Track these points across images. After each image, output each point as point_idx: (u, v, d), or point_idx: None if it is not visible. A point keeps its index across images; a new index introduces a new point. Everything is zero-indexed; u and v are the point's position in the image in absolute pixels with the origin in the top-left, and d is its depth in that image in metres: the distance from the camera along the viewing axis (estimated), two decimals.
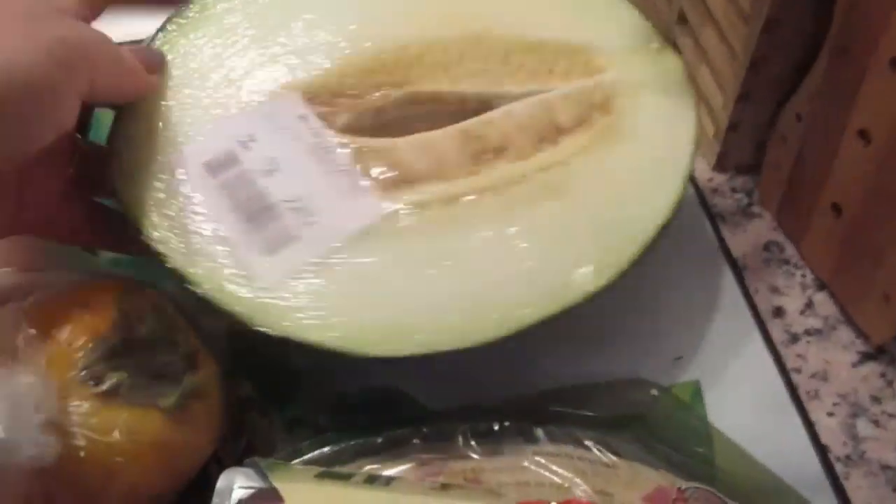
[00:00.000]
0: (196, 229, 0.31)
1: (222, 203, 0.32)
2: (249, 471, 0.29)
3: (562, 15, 0.38)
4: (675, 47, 0.39)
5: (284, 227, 0.31)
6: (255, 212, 0.31)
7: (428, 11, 0.37)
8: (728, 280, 0.41)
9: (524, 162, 0.35)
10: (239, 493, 0.28)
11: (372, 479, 0.25)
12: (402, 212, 0.33)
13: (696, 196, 0.45)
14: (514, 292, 0.31)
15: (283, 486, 0.24)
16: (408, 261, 0.32)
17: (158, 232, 0.31)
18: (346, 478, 0.25)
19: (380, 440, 0.33)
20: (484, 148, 0.35)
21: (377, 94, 0.35)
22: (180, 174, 0.32)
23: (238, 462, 0.35)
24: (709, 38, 0.44)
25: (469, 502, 0.25)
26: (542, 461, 0.31)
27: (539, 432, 0.32)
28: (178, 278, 0.31)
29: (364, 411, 0.36)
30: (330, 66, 0.35)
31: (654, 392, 0.34)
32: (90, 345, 0.29)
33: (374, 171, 0.33)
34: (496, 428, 0.32)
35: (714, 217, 0.44)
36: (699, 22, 0.45)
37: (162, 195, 0.32)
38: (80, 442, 0.27)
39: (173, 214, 0.31)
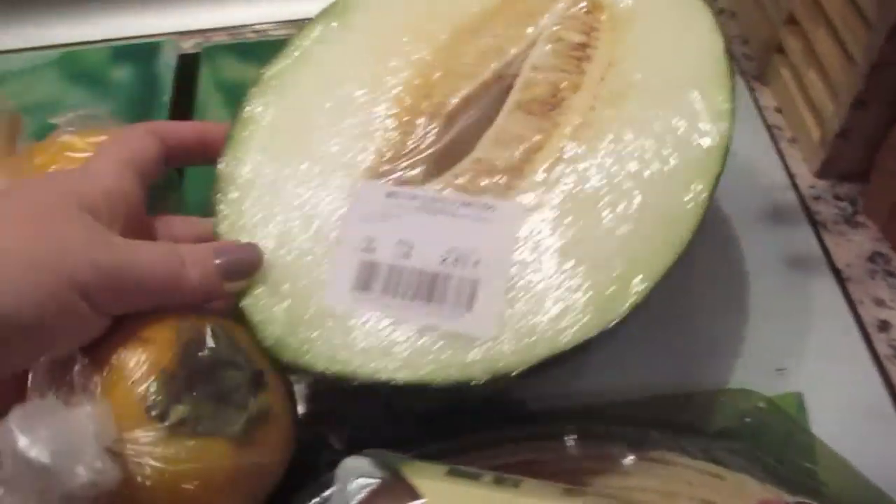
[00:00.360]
0: (392, 339, 0.30)
1: (395, 305, 0.31)
2: (368, 460, 0.30)
3: None
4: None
5: (460, 280, 0.31)
6: (428, 289, 0.31)
7: (419, 35, 0.37)
8: (831, 290, 0.41)
9: (582, 89, 0.35)
10: (360, 482, 0.29)
11: (500, 480, 0.26)
12: (533, 202, 0.32)
13: (799, 202, 0.44)
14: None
15: (418, 481, 0.25)
16: (552, 241, 0.32)
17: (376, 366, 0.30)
18: (475, 477, 0.26)
19: (485, 437, 0.33)
20: (542, 104, 0.35)
21: (428, 133, 0.35)
22: (339, 311, 0.31)
23: (347, 449, 0.37)
24: (822, 42, 0.43)
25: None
26: (647, 467, 0.32)
27: (644, 438, 0.32)
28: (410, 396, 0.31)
29: (465, 406, 0.37)
30: (373, 137, 0.35)
31: (761, 404, 0.34)
32: (154, 379, 0.28)
33: (484, 182, 0.33)
34: (601, 432, 0.32)
35: (816, 225, 0.44)
36: (811, 24, 0.44)
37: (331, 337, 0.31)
38: (147, 471, 0.27)
39: (364, 346, 0.30)
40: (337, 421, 0.38)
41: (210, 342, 0.29)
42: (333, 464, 0.36)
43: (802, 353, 0.38)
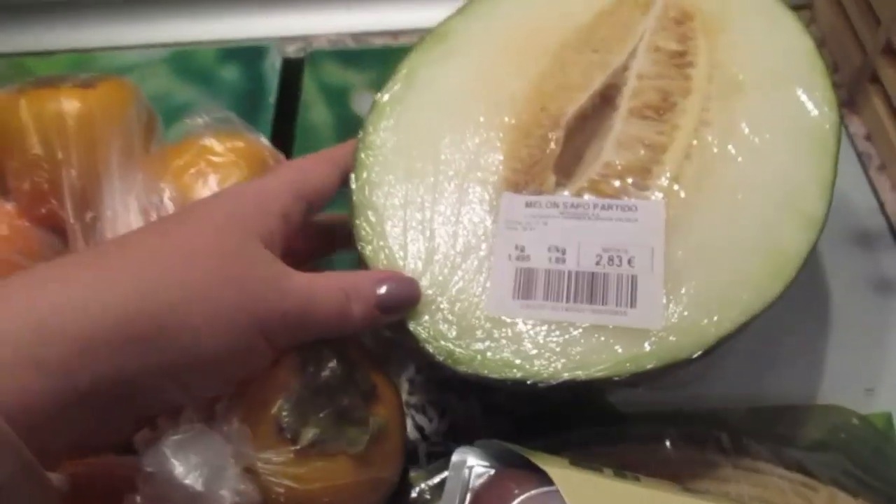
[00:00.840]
0: (563, 340, 0.31)
1: (559, 308, 0.32)
2: (481, 450, 0.31)
3: None
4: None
5: (618, 278, 0.32)
6: (589, 290, 0.32)
7: (524, 53, 0.39)
8: None
9: (692, 92, 0.37)
10: (476, 469, 0.30)
11: (620, 474, 0.27)
12: (667, 195, 0.34)
13: (887, 228, 0.45)
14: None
15: (547, 468, 0.26)
16: (696, 232, 0.33)
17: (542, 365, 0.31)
18: (596, 469, 0.27)
19: (583, 434, 0.35)
20: (655, 109, 0.37)
21: (551, 143, 0.36)
22: (506, 318, 0.32)
23: (443, 442, 0.38)
24: None
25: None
26: (743, 475, 0.33)
27: (738, 446, 0.34)
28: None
29: (559, 406, 0.39)
30: (499, 151, 0.36)
31: (854, 420, 0.35)
32: (283, 401, 0.29)
33: (616, 184, 0.35)
34: (699, 437, 0.34)
35: None
36: None
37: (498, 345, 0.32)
38: (280, 490, 0.28)
39: (536, 350, 0.31)
40: (437, 416, 0.40)
41: (331, 363, 0.30)
42: (432, 455, 0.38)
43: (890, 375, 0.39)
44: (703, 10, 0.40)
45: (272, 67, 0.56)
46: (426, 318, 0.32)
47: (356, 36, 0.59)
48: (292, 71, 0.56)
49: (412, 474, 0.36)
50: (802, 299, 0.42)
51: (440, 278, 0.33)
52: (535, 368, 0.31)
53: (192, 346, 0.26)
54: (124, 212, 0.37)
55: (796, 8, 0.58)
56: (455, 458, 0.31)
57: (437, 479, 0.35)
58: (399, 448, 0.33)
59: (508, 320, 0.32)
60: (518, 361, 0.31)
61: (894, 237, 0.45)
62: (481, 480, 0.30)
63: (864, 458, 0.34)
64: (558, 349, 0.31)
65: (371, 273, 0.32)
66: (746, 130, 0.35)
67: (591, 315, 0.31)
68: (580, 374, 0.30)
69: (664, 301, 0.31)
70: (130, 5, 0.61)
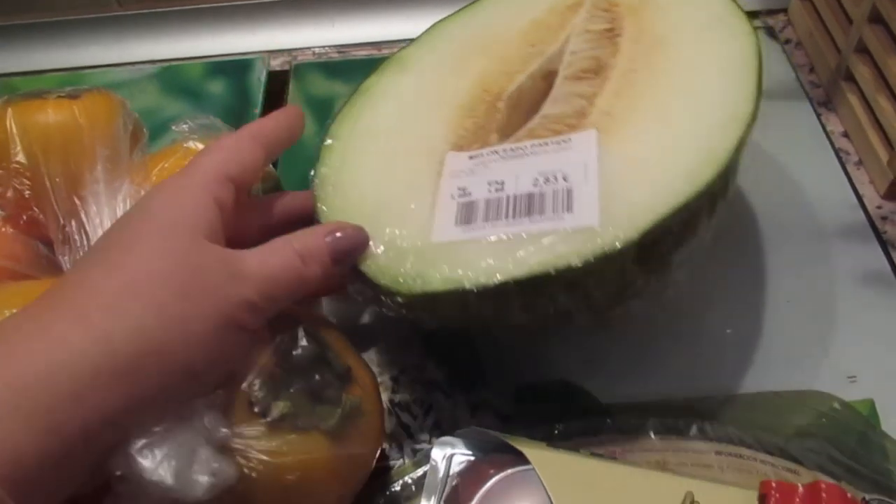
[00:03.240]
0: (504, 248, 0.32)
1: (499, 225, 0.33)
2: (461, 440, 0.31)
3: None
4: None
5: (554, 192, 0.33)
6: (527, 207, 0.33)
7: (468, 59, 0.42)
8: None
9: (620, 53, 0.39)
10: (456, 458, 0.31)
11: (596, 455, 0.27)
12: (599, 126, 0.36)
13: (867, 222, 0.46)
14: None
15: (524, 448, 0.26)
16: (629, 145, 0.35)
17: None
18: (573, 451, 0.27)
19: (567, 427, 0.35)
20: (587, 72, 0.39)
21: (494, 115, 0.39)
22: (449, 242, 0.33)
23: (429, 439, 0.38)
24: (893, 68, 0.45)
25: (694, 481, 0.26)
26: (726, 462, 0.33)
27: (722, 434, 0.34)
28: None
29: (542, 401, 0.39)
30: (448, 127, 0.39)
31: (836, 405, 0.35)
32: (255, 378, 0.30)
33: (554, 127, 0.37)
34: (681, 425, 0.34)
35: (885, 243, 0.45)
36: (882, 51, 0.46)
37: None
38: (252, 463, 0.28)
39: (481, 261, 0.32)
40: (421, 413, 0.40)
41: (303, 342, 0.31)
42: (417, 453, 0.38)
43: (872, 363, 0.39)
44: None
45: (258, 80, 0.57)
46: (372, 258, 0.33)
47: (340, 48, 0.60)
48: (278, 83, 0.57)
49: (396, 467, 0.36)
50: (786, 291, 0.42)
51: (388, 224, 0.34)
52: (479, 277, 0.31)
53: (175, 365, 0.26)
54: (112, 217, 0.37)
55: (772, 12, 0.60)
56: (436, 447, 0.31)
57: (420, 472, 0.35)
58: (375, 429, 0.33)
59: (450, 244, 0.33)
60: (461, 272, 0.32)
61: (873, 230, 0.45)
62: (461, 467, 0.30)
63: (849, 443, 0.34)
64: (500, 255, 0.32)
65: (318, 228, 0.33)
66: (672, 66, 0.38)
67: (529, 225, 0.32)
68: (522, 272, 0.31)
69: (598, 204, 0.32)
70: (118, 25, 0.62)
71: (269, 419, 0.29)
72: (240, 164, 0.32)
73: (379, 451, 0.34)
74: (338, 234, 0.32)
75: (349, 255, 0.32)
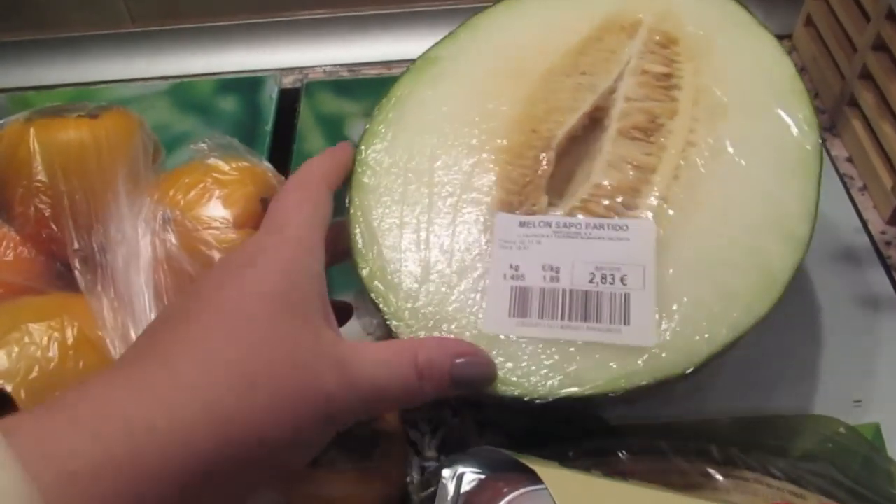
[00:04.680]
0: (558, 358, 0.31)
1: (554, 326, 0.32)
2: (472, 458, 0.32)
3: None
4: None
5: (612, 296, 0.32)
6: (583, 308, 0.32)
7: (513, 77, 0.40)
8: None
9: (679, 114, 0.38)
10: (467, 476, 0.31)
11: (608, 476, 0.28)
12: (656, 214, 0.35)
13: (871, 247, 0.46)
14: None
15: (537, 468, 0.27)
16: (685, 250, 0.34)
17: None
18: (585, 471, 0.28)
19: (577, 448, 0.35)
20: (643, 130, 0.38)
21: (542, 164, 0.37)
22: (502, 337, 0.32)
23: (437, 458, 0.39)
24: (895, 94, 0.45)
25: (702, 502, 0.27)
26: (733, 485, 0.33)
27: (728, 457, 0.34)
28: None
29: (551, 421, 0.39)
30: (492, 173, 0.36)
31: (842, 429, 0.35)
32: None
33: (606, 203, 0.35)
34: (689, 448, 0.34)
35: (889, 268, 0.45)
36: (885, 78, 0.46)
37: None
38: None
39: (533, 367, 0.31)
40: (429, 431, 0.40)
41: None
42: (426, 471, 0.38)
43: (878, 387, 0.40)
44: (688, 34, 0.41)
45: (269, 98, 0.58)
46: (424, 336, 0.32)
47: (351, 67, 0.61)
48: (289, 101, 0.58)
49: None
50: (791, 315, 0.43)
51: (436, 298, 0.33)
52: (532, 386, 0.31)
53: (270, 453, 0.25)
54: (133, 235, 0.37)
55: (777, 38, 0.60)
56: (446, 466, 0.31)
57: (430, 491, 0.35)
58: (400, 464, 0.34)
59: (504, 338, 0.32)
60: (515, 379, 0.31)
61: (878, 254, 0.46)
62: (472, 486, 0.30)
63: (853, 467, 0.35)
64: (554, 366, 0.31)
65: (448, 345, 0.30)
66: (732, 151, 0.36)
67: (585, 332, 0.32)
68: (575, 390, 0.31)
69: (656, 318, 0.32)
70: (131, 41, 0.62)
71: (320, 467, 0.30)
72: (326, 216, 0.31)
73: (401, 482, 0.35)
74: (465, 361, 0.30)
75: (472, 385, 0.30)
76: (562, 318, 0.32)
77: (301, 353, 0.26)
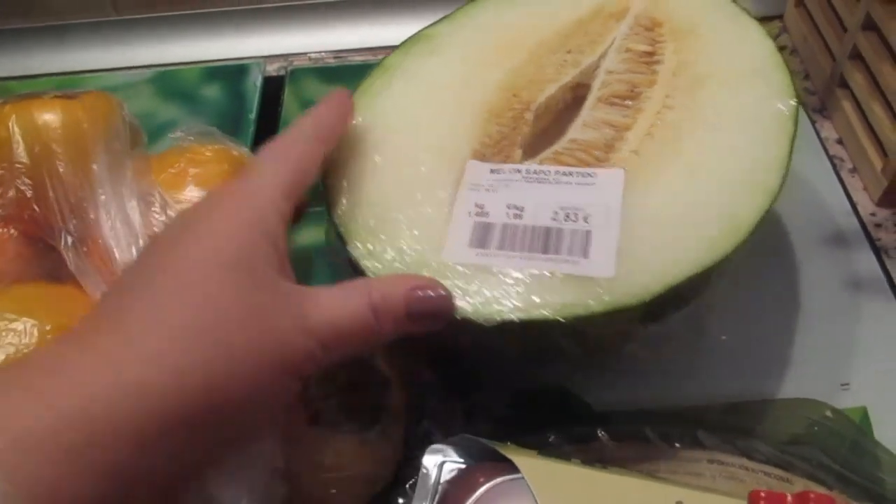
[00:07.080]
0: (513, 285, 0.32)
1: (512, 257, 0.32)
2: (452, 447, 0.31)
3: None
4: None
5: (573, 232, 0.33)
6: (543, 242, 0.33)
7: (503, 51, 0.41)
8: (892, 312, 0.42)
9: (657, 84, 0.39)
10: (447, 466, 0.30)
11: (587, 463, 0.27)
12: (627, 164, 0.35)
13: (860, 229, 0.46)
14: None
15: (513, 458, 0.26)
16: (654, 195, 0.34)
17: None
18: (565, 459, 0.27)
19: (560, 434, 0.35)
20: (622, 97, 0.39)
21: (520, 125, 0.38)
22: (459, 265, 0.33)
23: (421, 443, 0.38)
24: (886, 75, 0.45)
25: (685, 489, 0.26)
26: (719, 470, 0.33)
27: (716, 442, 0.34)
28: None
29: (537, 407, 0.39)
30: (472, 132, 0.38)
31: (828, 413, 0.35)
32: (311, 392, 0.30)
33: (580, 156, 0.36)
34: (675, 434, 0.34)
35: (878, 250, 0.45)
36: (875, 58, 0.46)
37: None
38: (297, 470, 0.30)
39: (487, 292, 0.32)
40: (414, 419, 0.40)
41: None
42: (411, 458, 0.38)
43: (865, 370, 0.39)
44: (673, 17, 0.42)
45: (253, 85, 0.57)
46: (381, 266, 0.33)
47: (336, 53, 0.60)
48: (273, 88, 0.57)
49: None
50: (779, 297, 0.42)
51: (401, 229, 0.34)
52: (483, 307, 0.31)
53: (237, 407, 0.25)
54: (117, 213, 0.37)
55: (768, 19, 0.60)
56: (427, 454, 0.31)
57: (412, 479, 0.35)
58: (401, 438, 0.34)
59: (462, 269, 0.32)
60: (468, 300, 0.31)
61: (867, 237, 0.45)
62: (452, 475, 0.30)
63: (840, 451, 0.34)
64: (508, 291, 0.31)
65: (400, 280, 0.30)
66: (708, 113, 0.37)
67: (542, 263, 0.32)
68: (526, 314, 0.31)
69: (615, 254, 0.32)
70: (114, 29, 0.62)
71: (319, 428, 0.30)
72: (302, 171, 0.30)
73: (400, 457, 0.35)
74: (421, 294, 0.29)
75: (429, 320, 0.30)
76: (521, 250, 0.33)
77: (254, 305, 0.26)
